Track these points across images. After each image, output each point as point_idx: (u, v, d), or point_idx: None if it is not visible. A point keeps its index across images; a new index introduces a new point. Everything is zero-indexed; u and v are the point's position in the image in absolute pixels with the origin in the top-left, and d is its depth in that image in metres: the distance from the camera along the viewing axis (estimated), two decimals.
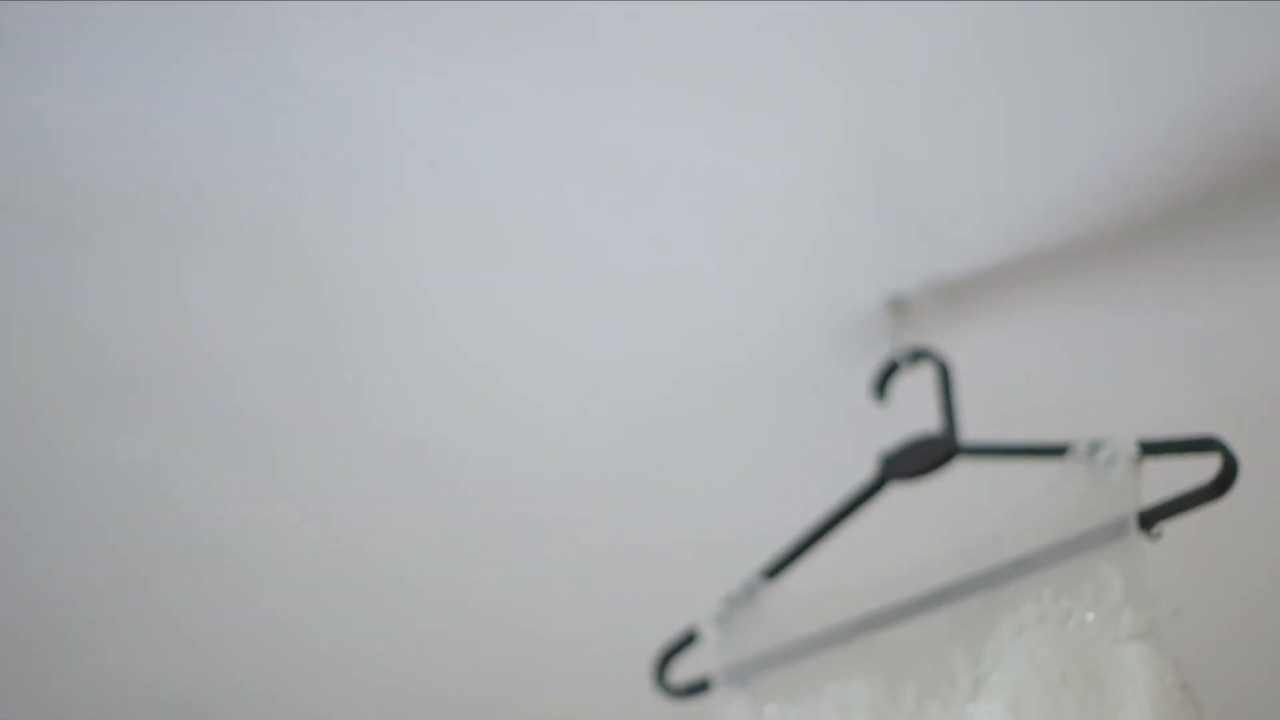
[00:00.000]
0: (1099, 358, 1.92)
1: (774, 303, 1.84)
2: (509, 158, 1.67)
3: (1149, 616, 1.43)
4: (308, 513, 2.08)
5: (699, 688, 1.71)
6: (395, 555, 2.15)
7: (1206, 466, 1.45)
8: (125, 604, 2.20)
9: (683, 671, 1.74)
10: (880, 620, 1.62)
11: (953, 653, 1.54)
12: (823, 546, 1.73)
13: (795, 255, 1.78)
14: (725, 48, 1.56)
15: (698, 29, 1.54)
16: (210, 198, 1.70)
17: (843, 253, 1.78)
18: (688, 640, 1.75)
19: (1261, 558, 2.21)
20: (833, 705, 1.58)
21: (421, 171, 1.68)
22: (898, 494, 1.74)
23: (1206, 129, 1.66)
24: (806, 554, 1.73)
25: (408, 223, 1.74)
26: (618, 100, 1.62)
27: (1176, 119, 1.64)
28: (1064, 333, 1.88)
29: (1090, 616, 1.45)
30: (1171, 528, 1.47)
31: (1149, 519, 1.47)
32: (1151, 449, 1.50)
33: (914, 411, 1.76)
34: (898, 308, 1.80)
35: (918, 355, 1.76)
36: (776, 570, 1.73)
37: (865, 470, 1.72)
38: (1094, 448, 1.53)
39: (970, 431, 1.71)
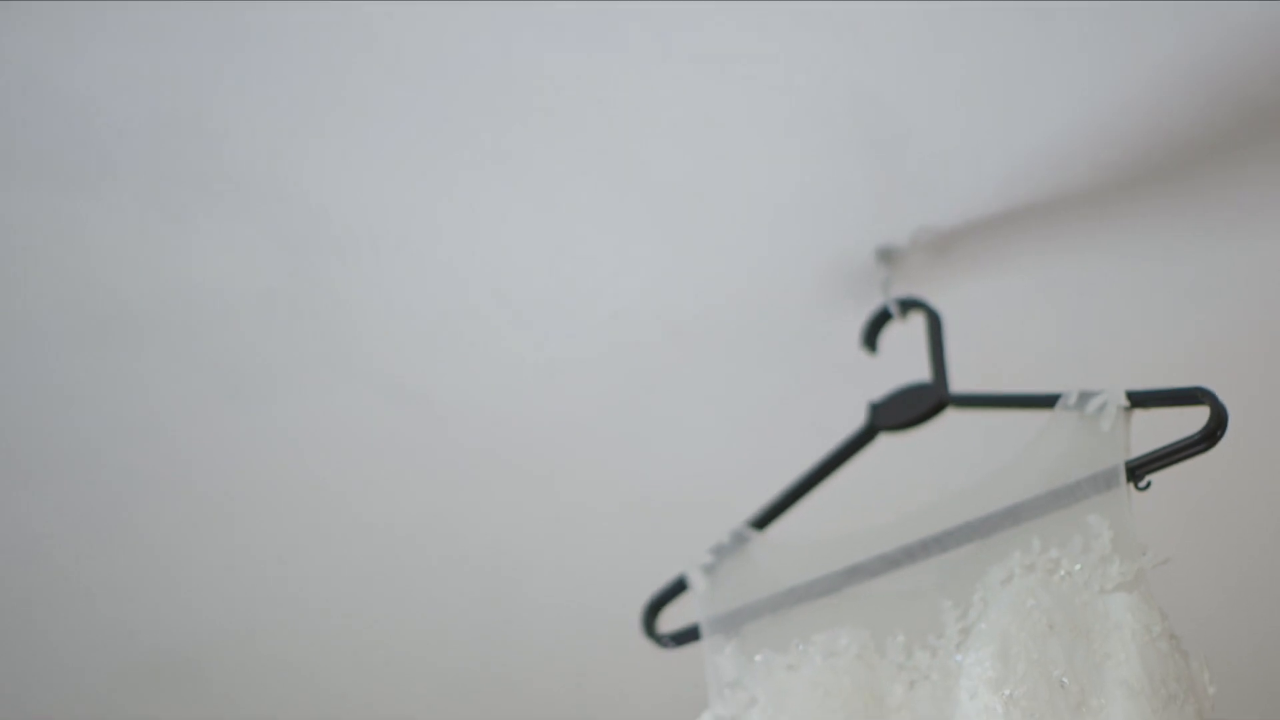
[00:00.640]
0: (1089, 308, 1.92)
1: (765, 253, 1.84)
2: (503, 105, 1.67)
3: (1137, 566, 1.43)
4: (299, 457, 2.08)
5: (688, 636, 1.72)
6: (385, 499, 2.15)
7: (1195, 418, 1.45)
8: (116, 549, 2.20)
9: (672, 620, 1.75)
10: (869, 570, 1.62)
11: (941, 602, 1.54)
12: (812, 496, 1.73)
13: (786, 206, 1.78)
14: None
15: None
16: (208, 145, 1.69)
17: (834, 203, 1.78)
18: (677, 589, 1.75)
19: (1249, 509, 2.21)
20: (821, 654, 1.58)
21: (414, 117, 1.68)
22: (887, 444, 1.74)
23: (1196, 81, 1.66)
24: (795, 504, 1.73)
25: (400, 169, 1.74)
26: (611, 49, 1.62)
27: (1167, 71, 1.64)
28: (1054, 283, 1.89)
29: (1078, 566, 1.46)
30: (1160, 479, 1.48)
31: (1138, 470, 1.47)
32: (1140, 400, 1.50)
33: (904, 362, 1.76)
34: (888, 258, 1.80)
35: (908, 305, 1.76)
36: (766, 520, 1.73)
37: (855, 420, 1.73)
38: (1083, 398, 1.53)
39: (960, 382, 1.71)
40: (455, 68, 1.64)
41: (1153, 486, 1.47)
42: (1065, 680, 1.38)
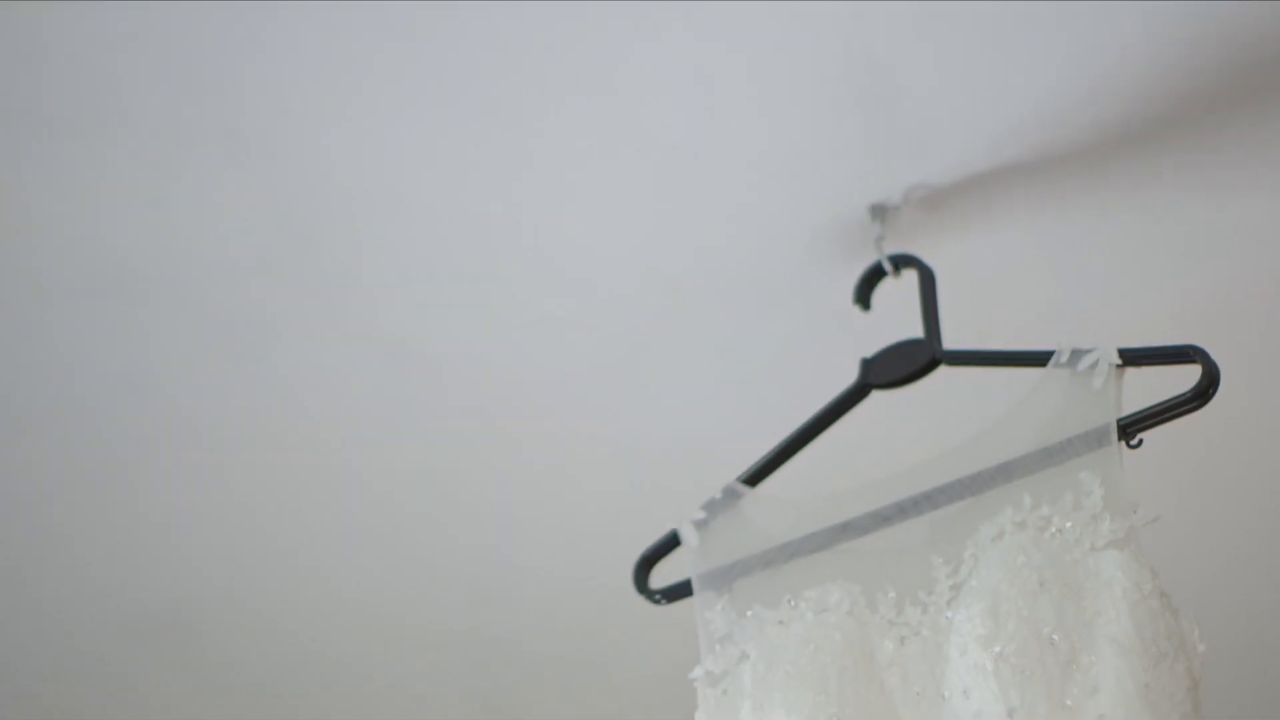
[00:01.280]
0: (1082, 266, 1.92)
1: (758, 209, 1.84)
2: (497, 60, 1.66)
3: (1128, 524, 1.43)
4: (293, 414, 2.09)
5: (679, 592, 1.72)
6: (378, 455, 2.16)
7: (1187, 376, 1.46)
8: (109, 505, 2.20)
9: (664, 576, 1.75)
10: (860, 526, 1.62)
11: (932, 559, 1.54)
12: (804, 453, 1.73)
13: (780, 163, 1.78)
14: None
15: None
16: (206, 105, 1.69)
17: (828, 160, 1.78)
18: (669, 545, 1.75)
19: (1240, 467, 2.22)
20: (812, 609, 1.58)
21: (411, 77, 1.67)
22: (879, 400, 1.74)
23: (1188, 40, 1.66)
24: (787, 460, 1.73)
25: (395, 129, 1.73)
26: (607, 7, 1.61)
27: (1159, 30, 1.64)
28: (1047, 241, 1.89)
29: (1069, 523, 1.46)
30: (1152, 437, 1.48)
31: (1129, 427, 1.47)
32: (1132, 358, 1.50)
33: (897, 318, 1.76)
34: (882, 215, 1.80)
35: (901, 262, 1.75)
36: (758, 476, 1.73)
37: (848, 376, 1.73)
38: (1075, 356, 1.53)
39: (952, 338, 1.71)
40: (450, 27, 1.63)
41: (1144, 445, 1.48)
42: (1055, 638, 1.39)
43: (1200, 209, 1.85)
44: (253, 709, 2.59)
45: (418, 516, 2.26)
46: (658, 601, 1.73)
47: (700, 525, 1.70)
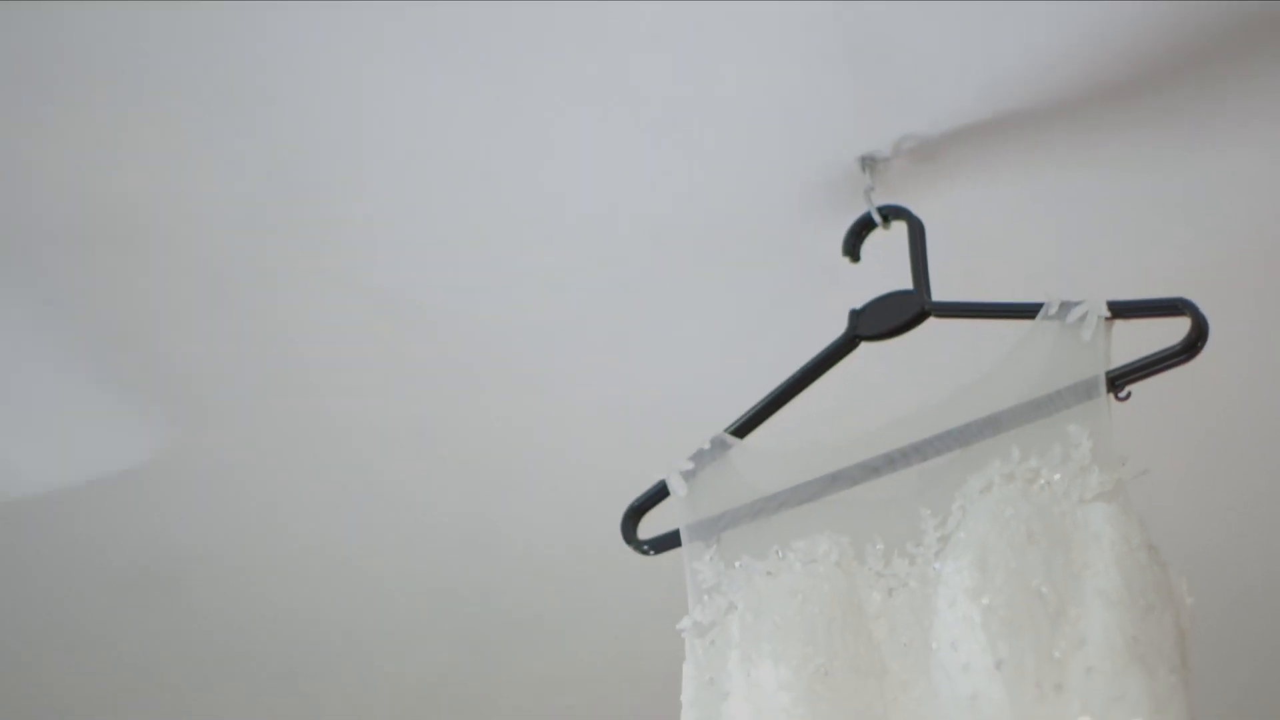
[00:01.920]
0: (1072, 219, 1.92)
1: (748, 161, 1.83)
2: (488, 14, 1.65)
3: (1116, 477, 1.44)
4: (282, 364, 2.08)
5: (668, 542, 1.72)
6: (367, 406, 2.16)
7: (1177, 329, 1.46)
8: (91, 460, 2.19)
9: (654, 527, 1.75)
10: (849, 477, 1.62)
11: (920, 510, 1.55)
12: (793, 404, 1.73)
13: (770, 114, 1.78)
14: None
15: None
16: (194, 51, 1.68)
17: (817, 112, 1.77)
18: (657, 495, 1.75)
19: (1229, 420, 2.22)
20: (801, 560, 1.58)
21: (400, 25, 1.67)
22: (868, 352, 1.74)
23: None
24: (776, 411, 1.73)
25: (386, 79, 1.73)
26: None
27: None
28: (1037, 193, 1.88)
29: (1057, 476, 1.46)
30: (1140, 390, 1.48)
31: (1118, 380, 1.48)
32: (1121, 310, 1.50)
33: (886, 270, 1.76)
34: (872, 166, 1.80)
35: (891, 213, 1.75)
36: (746, 427, 1.73)
37: (836, 328, 1.72)
38: (1065, 308, 1.53)
39: (941, 290, 1.71)
40: None
41: (1134, 398, 1.48)
42: (1044, 590, 1.39)
43: (1192, 163, 1.85)
44: (237, 666, 2.59)
45: (404, 467, 2.26)
46: (645, 552, 1.73)
47: (688, 476, 1.70)
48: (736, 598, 1.60)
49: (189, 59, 1.69)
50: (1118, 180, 1.87)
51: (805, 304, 1.98)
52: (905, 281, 1.70)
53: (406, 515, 2.34)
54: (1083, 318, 1.51)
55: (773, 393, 1.73)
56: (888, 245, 1.77)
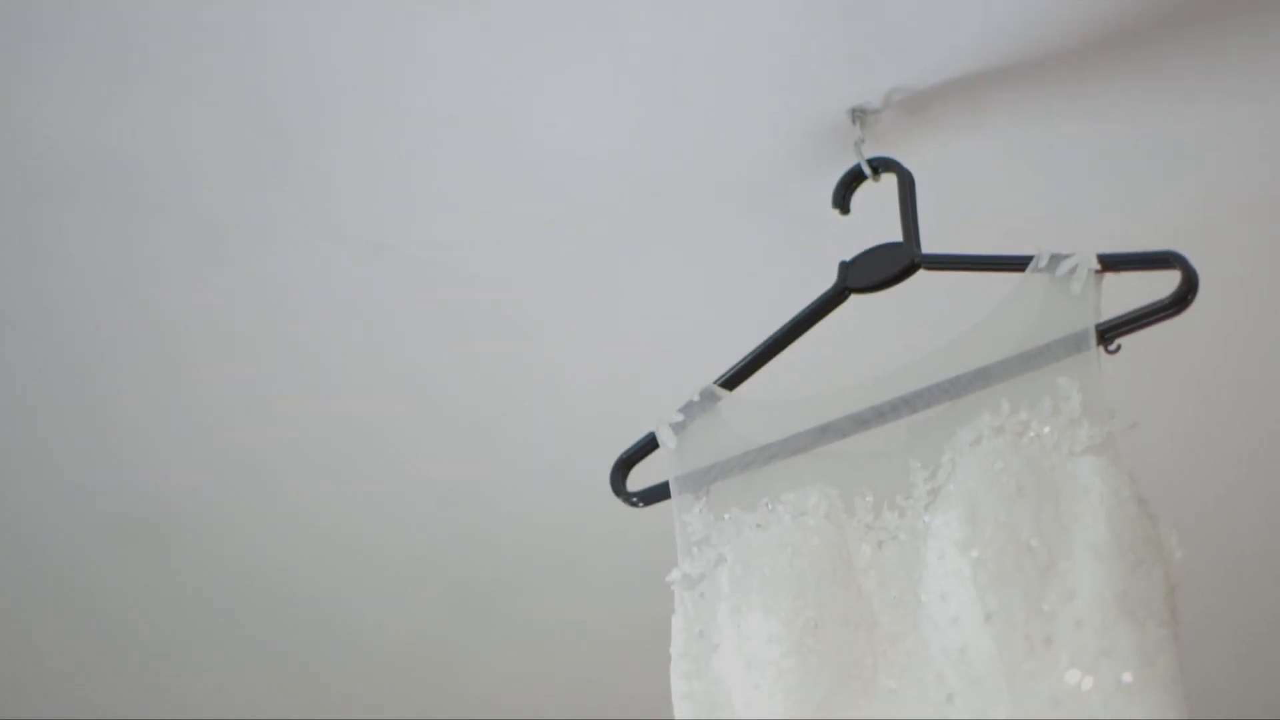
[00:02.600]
0: (1062, 171, 1.92)
1: (738, 112, 1.83)
2: None
3: (1106, 430, 1.44)
4: (271, 316, 2.08)
5: (657, 494, 1.72)
6: (357, 358, 2.15)
7: (1167, 283, 1.46)
8: (82, 412, 2.19)
9: (641, 479, 1.75)
10: (838, 429, 1.62)
11: (910, 463, 1.55)
12: (782, 357, 1.73)
13: (761, 65, 1.77)
14: None
15: None
16: (180, 2, 1.67)
17: (809, 64, 1.76)
18: (646, 446, 1.75)
19: (1219, 373, 2.23)
20: (790, 513, 1.59)
21: None
22: (857, 304, 1.74)
23: None
24: (765, 363, 1.73)
25: (372, 25, 1.72)
26: None
27: None
28: (1027, 146, 1.88)
29: (1047, 429, 1.46)
30: (1131, 343, 1.48)
31: (1108, 333, 1.48)
32: (1111, 263, 1.50)
33: (876, 222, 1.75)
34: (861, 119, 1.79)
35: (880, 165, 1.75)
36: (735, 379, 1.73)
37: (826, 280, 1.72)
38: (1054, 261, 1.53)
39: (931, 243, 1.71)
40: None
41: (1124, 351, 1.48)
42: (1034, 543, 1.39)
43: (1183, 116, 1.85)
44: (226, 618, 2.59)
45: (392, 420, 2.26)
46: (634, 504, 1.73)
47: (678, 428, 1.70)
48: (726, 550, 1.60)
49: (180, 8, 1.68)
50: (1108, 133, 1.87)
51: (795, 256, 1.98)
52: (895, 234, 1.70)
53: (395, 468, 2.34)
54: (1072, 270, 1.51)
55: (762, 344, 1.73)
56: (877, 198, 1.76)
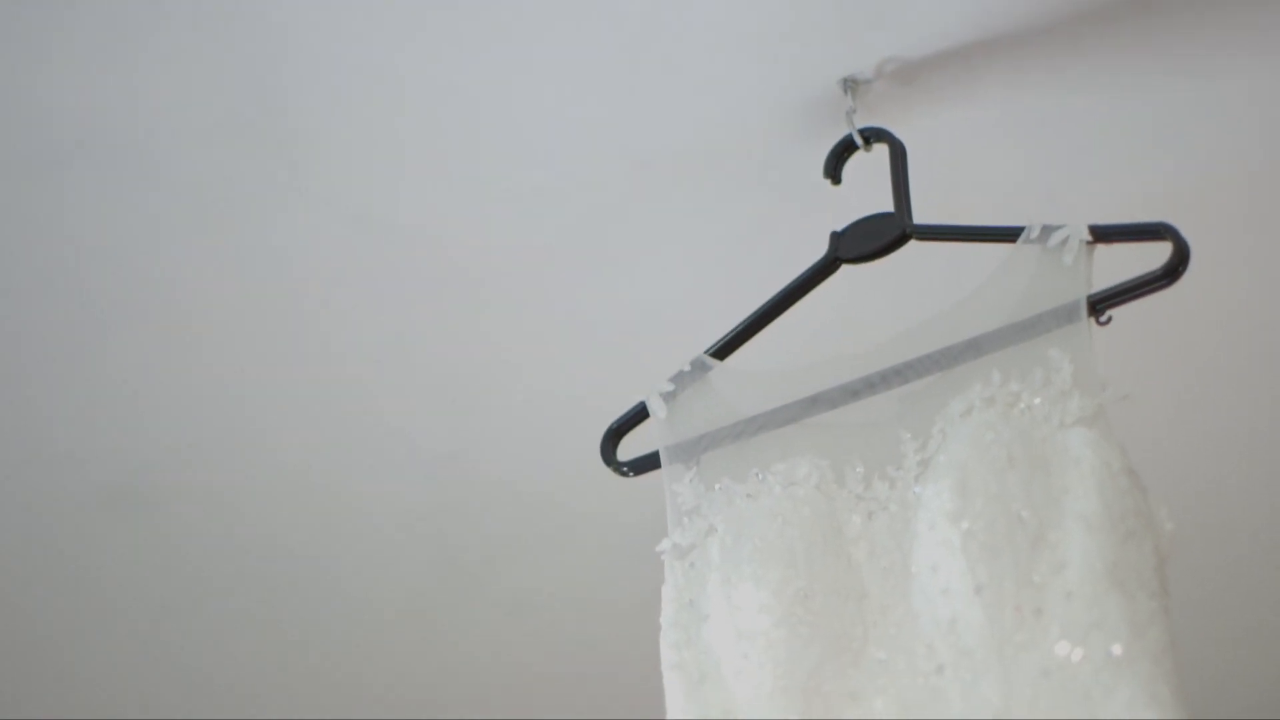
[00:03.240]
0: (1054, 143, 1.92)
1: (729, 82, 1.82)
2: None
3: (1096, 401, 1.44)
4: (259, 282, 2.07)
5: (647, 464, 1.72)
6: (346, 325, 2.15)
7: (1158, 254, 1.46)
8: (70, 377, 2.19)
9: (631, 449, 1.75)
10: (829, 400, 1.62)
11: (900, 433, 1.55)
12: (773, 327, 1.73)
13: (752, 34, 1.77)
14: None
15: None
16: None
17: (801, 33, 1.76)
18: (637, 416, 1.75)
19: (1210, 345, 2.23)
20: (781, 483, 1.59)
21: None
22: (848, 274, 1.74)
23: None
24: (756, 333, 1.73)
25: None
26: None
27: None
28: (1019, 117, 1.88)
29: (1038, 400, 1.46)
30: (1122, 314, 1.48)
31: (1099, 304, 1.48)
32: (1103, 234, 1.50)
33: (867, 193, 1.75)
34: (854, 89, 1.79)
35: (872, 135, 1.75)
36: (726, 349, 1.73)
37: (817, 250, 1.72)
38: (1046, 232, 1.53)
39: (923, 214, 1.70)
40: None
41: (1115, 323, 1.48)
42: (1024, 514, 1.39)
43: (1175, 87, 1.84)
44: (213, 585, 2.59)
45: (382, 388, 2.26)
46: (624, 474, 1.73)
47: (668, 397, 1.70)
48: (716, 520, 1.60)
49: None
50: (1100, 104, 1.87)
51: (786, 226, 1.98)
52: (886, 204, 1.70)
53: (384, 436, 2.34)
54: (1064, 241, 1.51)
55: (753, 314, 1.73)
56: (869, 168, 1.76)
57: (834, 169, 1.78)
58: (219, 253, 2.02)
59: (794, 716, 1.46)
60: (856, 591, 1.50)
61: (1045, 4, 1.73)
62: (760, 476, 1.61)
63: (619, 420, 1.75)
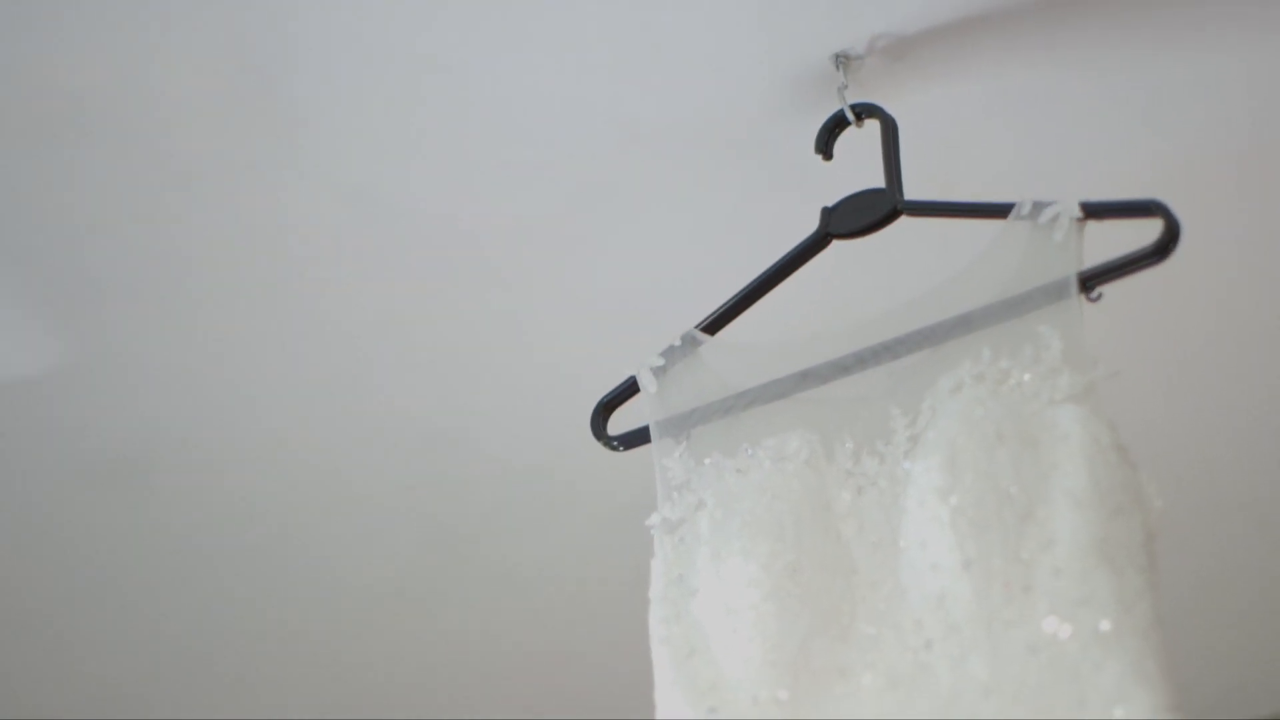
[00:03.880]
0: (1046, 119, 1.92)
1: (721, 57, 1.82)
2: None
3: (1086, 378, 1.44)
4: (252, 257, 2.07)
5: (637, 438, 1.72)
6: (338, 300, 2.15)
7: (1149, 231, 1.46)
8: (64, 349, 2.18)
9: (622, 423, 1.75)
10: (819, 375, 1.62)
11: (890, 409, 1.55)
12: (765, 303, 1.73)
13: (745, 9, 1.76)
14: None
15: None
16: None
17: (793, 8, 1.76)
18: (627, 391, 1.75)
19: (1200, 322, 2.23)
20: (770, 458, 1.59)
21: None
22: (840, 250, 1.74)
23: None
24: (747, 308, 1.73)
25: None
26: None
27: None
28: (1011, 94, 1.88)
29: (1028, 376, 1.47)
30: (1112, 293, 1.48)
31: (1090, 281, 1.48)
32: (1094, 211, 1.50)
33: (859, 169, 1.75)
34: (846, 65, 1.79)
35: (864, 111, 1.75)
36: (717, 324, 1.72)
37: (809, 226, 1.72)
38: (1037, 208, 1.53)
39: (914, 190, 1.70)
40: None
41: (1106, 301, 1.48)
42: (1013, 491, 1.39)
43: (1167, 64, 1.84)
44: (203, 559, 2.59)
45: (373, 362, 2.26)
46: (615, 448, 1.74)
47: (659, 372, 1.70)
48: (706, 495, 1.60)
49: None
50: (1093, 81, 1.86)
51: (777, 201, 1.98)
52: (877, 180, 1.70)
53: (376, 410, 2.34)
54: (1055, 218, 1.51)
55: (744, 289, 1.73)
56: (861, 143, 1.76)
57: (825, 144, 1.77)
58: (211, 227, 2.01)
59: (783, 690, 1.46)
60: (845, 567, 1.51)
61: None
62: (750, 451, 1.61)
63: (609, 395, 1.75)
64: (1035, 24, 1.78)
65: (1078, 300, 1.47)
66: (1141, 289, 1.54)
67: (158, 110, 1.85)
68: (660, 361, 1.70)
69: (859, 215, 1.69)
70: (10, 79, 1.80)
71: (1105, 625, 1.33)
